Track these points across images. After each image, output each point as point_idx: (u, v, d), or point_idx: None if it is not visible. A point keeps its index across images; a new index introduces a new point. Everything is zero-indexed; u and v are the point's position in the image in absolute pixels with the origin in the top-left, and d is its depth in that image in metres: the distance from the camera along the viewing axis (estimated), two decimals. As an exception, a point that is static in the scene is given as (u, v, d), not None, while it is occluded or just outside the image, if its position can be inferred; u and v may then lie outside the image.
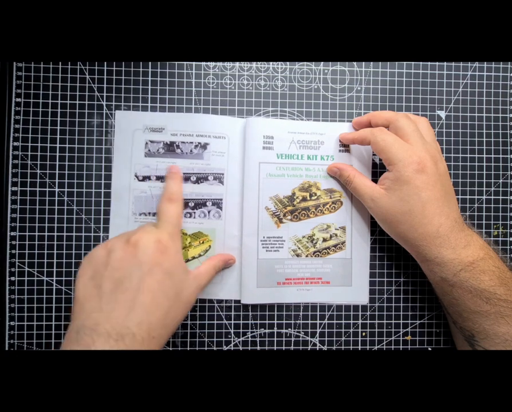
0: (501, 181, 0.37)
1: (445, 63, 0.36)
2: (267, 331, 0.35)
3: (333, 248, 0.35)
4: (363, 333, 0.36)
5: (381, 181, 0.31)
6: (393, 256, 0.36)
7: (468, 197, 0.36)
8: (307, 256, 0.35)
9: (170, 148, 0.34)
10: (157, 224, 0.29)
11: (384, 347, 0.36)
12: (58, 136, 0.34)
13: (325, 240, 0.35)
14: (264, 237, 0.35)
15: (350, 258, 0.35)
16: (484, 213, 0.36)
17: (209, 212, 0.34)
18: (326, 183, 0.35)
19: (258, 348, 0.35)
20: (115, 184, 0.34)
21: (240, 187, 0.34)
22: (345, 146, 0.35)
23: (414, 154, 0.29)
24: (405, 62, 0.36)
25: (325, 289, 0.35)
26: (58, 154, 0.34)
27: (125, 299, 0.25)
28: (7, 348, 0.33)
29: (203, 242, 0.34)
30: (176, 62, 0.35)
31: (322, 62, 0.36)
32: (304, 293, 0.35)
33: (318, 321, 0.36)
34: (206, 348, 0.35)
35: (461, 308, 0.29)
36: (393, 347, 0.36)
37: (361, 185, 0.32)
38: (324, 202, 0.35)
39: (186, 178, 0.34)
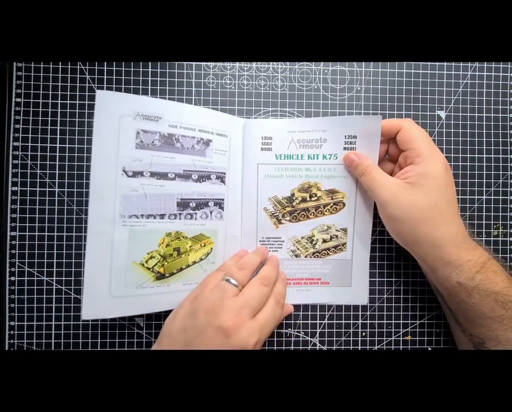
0: (501, 181, 0.37)
1: (445, 63, 0.36)
2: (267, 331, 0.35)
3: (333, 249, 0.35)
4: (363, 333, 0.36)
5: (402, 175, 0.30)
6: (393, 256, 0.36)
7: (468, 197, 0.36)
8: (306, 257, 0.35)
9: (169, 141, 0.31)
10: (259, 319, 0.28)
11: (384, 347, 0.36)
12: (58, 136, 0.34)
13: (324, 241, 0.35)
14: (263, 238, 0.35)
15: (350, 260, 0.35)
16: (484, 213, 0.36)
17: (211, 213, 0.33)
18: (328, 183, 0.34)
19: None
20: (96, 180, 0.29)
21: (242, 188, 0.34)
22: (350, 144, 0.33)
23: (441, 153, 0.30)
24: (405, 62, 0.36)
25: (324, 289, 0.35)
26: (58, 154, 0.34)
27: None
28: (7, 348, 0.33)
29: (204, 245, 0.33)
30: (176, 62, 0.35)
31: (322, 62, 0.36)
32: (304, 294, 0.35)
33: (318, 321, 0.36)
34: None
35: (475, 314, 0.28)
36: (393, 347, 0.36)
37: (381, 177, 0.30)
38: (325, 203, 0.34)
39: (187, 176, 0.32)
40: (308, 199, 0.34)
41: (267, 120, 0.35)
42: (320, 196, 0.34)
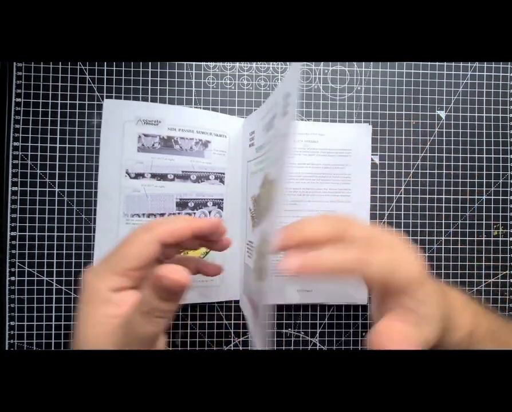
0: (501, 181, 0.37)
1: (445, 63, 0.36)
2: (267, 331, 0.35)
3: None
4: (363, 333, 0.36)
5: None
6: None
7: (468, 197, 0.36)
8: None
9: (168, 143, 0.32)
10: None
11: (384, 347, 0.36)
12: (58, 136, 0.34)
13: None
14: (248, 241, 0.31)
15: None
16: (484, 213, 0.36)
17: (209, 212, 0.34)
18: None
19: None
20: (103, 181, 0.31)
21: (241, 188, 0.34)
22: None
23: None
24: (405, 62, 0.36)
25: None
26: (58, 154, 0.34)
27: None
28: (7, 348, 0.33)
29: None
30: (176, 62, 0.35)
31: (322, 62, 0.36)
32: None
33: (318, 321, 0.36)
34: (206, 348, 0.35)
35: None
36: (393, 347, 0.36)
37: None
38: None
39: (186, 177, 0.33)
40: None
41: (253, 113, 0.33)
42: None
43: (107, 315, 0.20)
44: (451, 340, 0.23)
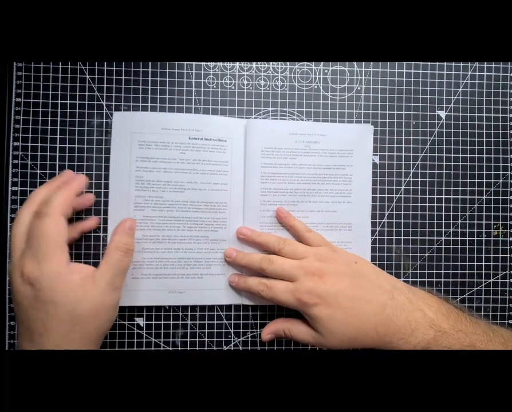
0: (501, 181, 0.37)
1: (445, 63, 0.36)
2: (267, 331, 0.35)
3: None
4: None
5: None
6: (393, 256, 0.36)
7: (468, 197, 0.36)
8: None
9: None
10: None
11: (384, 347, 0.36)
12: (58, 136, 0.34)
13: None
14: None
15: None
16: (484, 213, 0.36)
17: None
18: None
19: (258, 348, 0.35)
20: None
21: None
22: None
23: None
24: (405, 62, 0.36)
25: None
26: (58, 154, 0.34)
27: None
28: (7, 348, 0.33)
29: None
30: (176, 62, 0.35)
31: (322, 62, 0.36)
32: None
33: (318, 321, 0.35)
34: (206, 348, 0.35)
35: None
36: (393, 347, 0.36)
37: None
38: None
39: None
40: None
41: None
42: None
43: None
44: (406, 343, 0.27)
